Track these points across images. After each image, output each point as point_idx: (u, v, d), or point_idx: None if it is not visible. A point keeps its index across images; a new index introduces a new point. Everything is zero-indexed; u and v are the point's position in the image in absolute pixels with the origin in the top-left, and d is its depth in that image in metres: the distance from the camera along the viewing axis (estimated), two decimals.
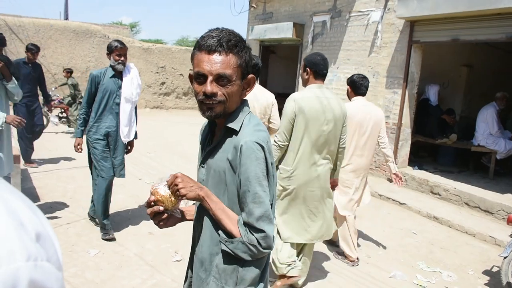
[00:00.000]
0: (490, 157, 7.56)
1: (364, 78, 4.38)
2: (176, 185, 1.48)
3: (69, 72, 9.99)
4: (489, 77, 9.19)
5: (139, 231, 4.75)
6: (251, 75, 1.57)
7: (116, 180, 6.67)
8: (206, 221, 1.60)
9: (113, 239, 4.45)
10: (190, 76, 1.58)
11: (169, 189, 1.50)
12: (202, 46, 1.47)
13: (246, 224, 1.49)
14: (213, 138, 1.67)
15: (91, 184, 4.67)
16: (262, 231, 1.48)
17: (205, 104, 1.49)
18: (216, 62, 1.45)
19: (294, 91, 9.98)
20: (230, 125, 1.55)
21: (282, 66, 13.21)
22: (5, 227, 0.47)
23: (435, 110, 8.01)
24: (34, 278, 0.48)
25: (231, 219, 1.52)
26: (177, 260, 4.15)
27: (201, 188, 1.51)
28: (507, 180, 7.26)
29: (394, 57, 7.45)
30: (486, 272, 4.53)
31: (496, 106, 7.56)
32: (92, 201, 4.71)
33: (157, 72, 15.72)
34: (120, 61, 4.49)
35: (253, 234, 1.48)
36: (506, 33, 5.89)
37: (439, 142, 7.93)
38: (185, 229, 4.83)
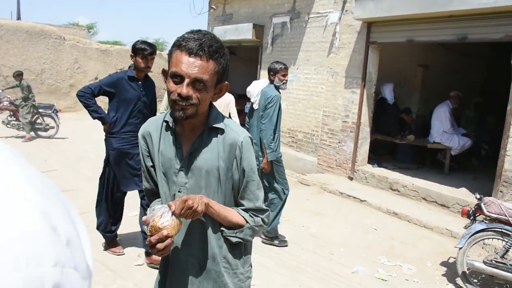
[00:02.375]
0: (445, 153, 7.85)
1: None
2: (191, 207, 1.46)
3: (19, 75, 9.63)
4: (443, 77, 9.54)
5: (100, 236, 4.61)
6: (225, 83, 1.61)
7: (74, 184, 6.50)
8: (207, 222, 1.64)
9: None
10: (164, 72, 1.60)
11: (179, 216, 1.47)
12: (182, 46, 1.47)
13: (250, 209, 1.67)
14: (179, 140, 1.65)
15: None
16: (266, 210, 1.71)
17: (178, 104, 1.49)
18: (195, 66, 1.46)
19: None
20: (217, 125, 1.62)
21: (242, 67, 13.20)
22: (35, 230, 0.46)
23: (393, 109, 8.24)
24: (59, 285, 0.46)
25: (232, 213, 1.65)
26: (139, 264, 4.07)
27: (201, 197, 1.53)
28: (461, 175, 7.55)
29: (352, 57, 7.60)
30: (443, 264, 4.69)
31: (450, 105, 7.85)
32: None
33: None
34: (285, 81, 4.65)
35: (258, 216, 1.68)
36: (457, 35, 6.12)
37: (399, 142, 8.17)
38: None
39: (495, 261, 3.92)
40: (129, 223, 5.03)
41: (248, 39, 9.83)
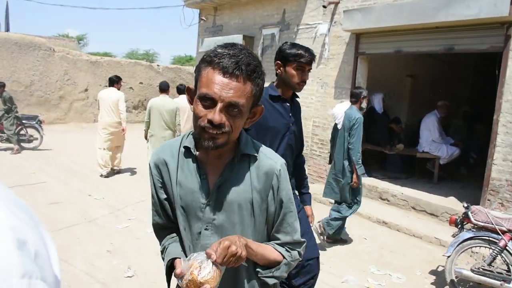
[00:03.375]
0: (434, 162, 7.93)
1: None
2: (234, 254, 1.24)
3: (1, 87, 9.53)
4: (431, 87, 9.67)
5: (89, 249, 4.59)
6: (261, 106, 1.42)
7: (64, 197, 6.46)
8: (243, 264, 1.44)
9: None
10: (188, 90, 1.40)
11: (221, 265, 1.25)
12: (215, 63, 1.26)
13: (286, 243, 1.49)
14: (203, 169, 1.42)
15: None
16: (303, 242, 1.53)
17: (208, 132, 1.28)
18: (230, 88, 1.25)
19: None
20: (251, 152, 1.43)
21: None
22: (4, 244, 0.49)
23: (382, 118, 8.32)
24: None
25: (268, 250, 1.46)
26: (129, 276, 4.05)
27: (239, 238, 1.32)
28: (449, 184, 7.62)
29: (341, 68, 7.69)
30: (432, 272, 4.72)
31: (438, 114, 7.95)
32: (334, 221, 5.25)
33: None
34: (366, 104, 5.28)
35: (294, 250, 1.50)
36: (444, 45, 6.23)
37: (389, 152, 8.23)
38: (138, 245, 4.74)
39: (482, 269, 3.95)
40: (118, 235, 5.01)
41: None
